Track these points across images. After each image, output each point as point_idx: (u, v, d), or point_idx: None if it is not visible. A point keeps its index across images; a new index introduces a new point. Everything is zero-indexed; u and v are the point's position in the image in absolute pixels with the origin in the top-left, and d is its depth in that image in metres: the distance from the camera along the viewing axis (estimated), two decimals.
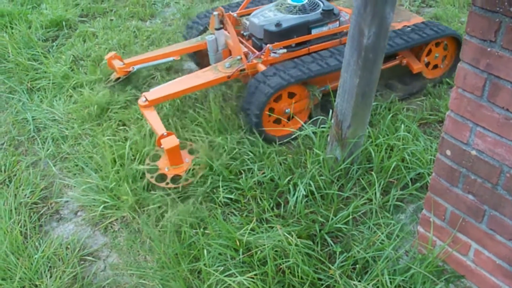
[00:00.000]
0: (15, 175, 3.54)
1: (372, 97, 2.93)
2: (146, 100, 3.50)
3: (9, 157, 3.70)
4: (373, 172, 3.07)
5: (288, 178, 3.09)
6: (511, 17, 1.74)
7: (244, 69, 3.74)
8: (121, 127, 3.85)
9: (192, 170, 3.30)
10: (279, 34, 3.81)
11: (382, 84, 3.96)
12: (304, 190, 2.96)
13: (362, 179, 3.09)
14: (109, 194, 3.21)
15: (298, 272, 2.50)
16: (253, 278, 2.51)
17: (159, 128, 3.32)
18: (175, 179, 3.28)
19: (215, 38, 4.00)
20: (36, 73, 4.66)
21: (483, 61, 1.91)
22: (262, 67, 3.69)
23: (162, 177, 3.30)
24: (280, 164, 3.24)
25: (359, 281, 2.50)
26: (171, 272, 2.69)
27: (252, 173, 3.22)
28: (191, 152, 3.47)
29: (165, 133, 3.26)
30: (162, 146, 3.23)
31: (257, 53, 3.80)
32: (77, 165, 3.58)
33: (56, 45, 5.18)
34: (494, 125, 1.98)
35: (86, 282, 2.79)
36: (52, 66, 4.67)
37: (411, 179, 3.09)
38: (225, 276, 2.54)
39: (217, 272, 2.56)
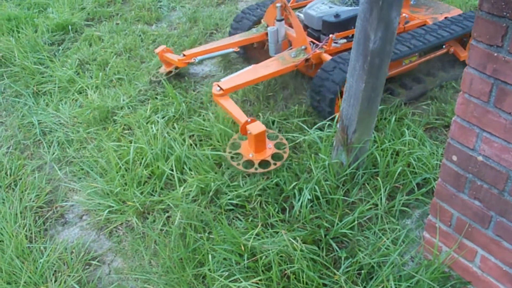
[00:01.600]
0: (21, 179, 3.54)
1: (377, 102, 2.92)
2: (221, 89, 3.61)
3: (14, 161, 3.70)
4: (378, 177, 3.06)
5: (294, 183, 3.08)
6: None
7: (309, 59, 3.91)
8: (127, 131, 3.85)
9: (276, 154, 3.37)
10: (338, 25, 4.00)
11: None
12: (309, 195, 2.95)
13: (368, 184, 3.08)
14: (114, 199, 3.21)
15: (303, 277, 2.49)
16: (257, 283, 2.51)
17: (241, 115, 3.39)
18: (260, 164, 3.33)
19: (276, 29, 4.13)
20: (42, 77, 4.67)
21: (490, 66, 1.90)
22: (327, 57, 3.85)
23: (247, 164, 3.33)
24: (286, 169, 3.23)
25: (364, 287, 2.49)
26: (176, 277, 2.69)
27: (257, 179, 3.22)
28: (270, 137, 3.50)
29: (249, 120, 3.31)
30: (249, 132, 3.26)
31: (321, 43, 3.98)
32: (82, 169, 3.59)
33: (62, 49, 5.20)
34: (501, 131, 1.97)
35: (90, 286, 2.79)
36: (58, 70, 4.68)
37: (417, 184, 3.07)
38: (229, 281, 2.54)
39: (222, 278, 2.56)
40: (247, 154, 3.34)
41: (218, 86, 3.61)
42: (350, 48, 3.84)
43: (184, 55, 4.24)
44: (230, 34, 4.69)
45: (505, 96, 1.89)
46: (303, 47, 3.97)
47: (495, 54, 1.86)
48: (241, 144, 3.44)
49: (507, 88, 1.87)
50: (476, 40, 1.91)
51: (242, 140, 3.49)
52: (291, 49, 4.10)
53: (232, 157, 3.36)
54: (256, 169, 3.26)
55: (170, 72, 4.53)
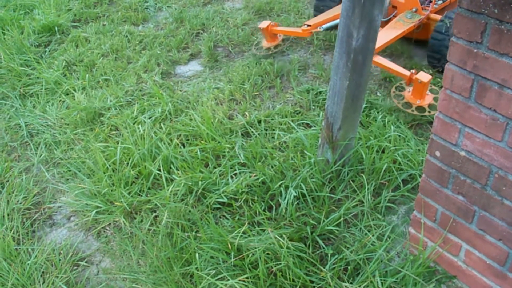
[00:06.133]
0: (8, 181, 3.53)
1: (362, 99, 2.94)
2: None
3: (1, 163, 3.70)
4: (363, 174, 3.08)
5: (280, 181, 3.09)
6: (496, 19, 1.75)
7: (421, 20, 4.40)
8: (114, 132, 3.85)
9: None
10: None
11: None
12: (296, 192, 2.96)
13: (353, 181, 3.10)
14: (102, 199, 3.21)
15: (289, 274, 2.50)
16: (244, 281, 2.51)
17: (402, 70, 3.85)
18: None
19: None
20: (29, 78, 4.66)
21: (470, 63, 1.92)
22: (436, 16, 4.30)
23: (419, 110, 3.76)
24: (272, 167, 3.24)
25: (351, 283, 2.51)
26: (164, 276, 2.69)
27: (243, 176, 3.23)
28: None
29: (413, 71, 3.78)
30: (419, 81, 3.66)
31: (425, 5, 4.54)
32: (70, 171, 3.58)
33: (49, 51, 5.18)
34: (482, 126, 1.99)
35: (79, 287, 2.79)
36: (44, 72, 4.67)
37: (402, 180, 3.09)
38: (217, 279, 2.55)
39: (209, 276, 2.57)
40: (414, 101, 3.77)
41: None
42: (447, 6, 4.53)
43: (308, 25, 4.51)
44: (316, 10, 5.01)
45: (486, 91, 1.91)
46: (413, 9, 4.43)
47: (475, 50, 1.88)
48: (404, 95, 3.87)
49: (487, 83, 1.90)
50: (456, 37, 1.94)
51: (401, 91, 3.93)
52: (395, 13, 4.59)
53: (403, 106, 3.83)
54: (429, 112, 3.72)
55: (278, 45, 4.86)
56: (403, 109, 3.76)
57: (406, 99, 3.82)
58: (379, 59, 3.99)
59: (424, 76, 3.69)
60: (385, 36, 4.21)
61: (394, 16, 4.56)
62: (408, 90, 3.85)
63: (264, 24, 4.72)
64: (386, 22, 4.52)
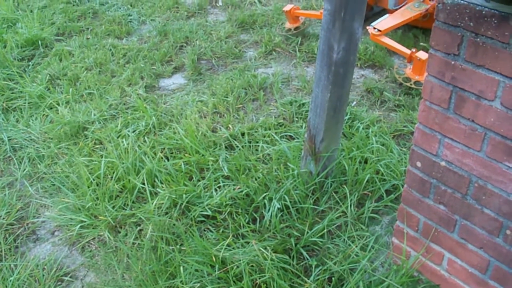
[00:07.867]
0: None
1: (344, 111, 2.96)
2: (379, 30, 4.42)
3: None
4: (346, 185, 3.09)
5: (264, 193, 3.09)
6: (472, 32, 1.79)
7: (428, 9, 4.71)
8: (98, 146, 3.85)
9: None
10: None
11: None
12: (279, 204, 2.97)
13: (337, 192, 3.12)
14: (86, 213, 3.20)
15: (274, 286, 2.51)
16: None
17: (403, 48, 4.30)
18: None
19: None
20: (12, 93, 4.64)
21: (448, 74, 1.95)
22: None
23: (416, 84, 4.22)
24: (255, 179, 3.26)
25: None
26: None
27: (227, 189, 3.24)
28: None
29: (413, 50, 4.16)
30: (418, 58, 4.10)
31: None
32: (53, 185, 3.57)
33: (32, 65, 5.17)
34: (461, 136, 2.02)
35: None
36: (28, 86, 4.65)
37: (385, 190, 3.11)
38: None
39: None
40: (413, 76, 4.23)
41: (375, 28, 4.43)
42: None
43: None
44: None
45: (464, 102, 1.94)
46: None
47: (453, 62, 1.92)
48: (405, 71, 4.34)
49: (465, 95, 1.93)
50: (434, 49, 1.97)
51: (403, 67, 4.40)
52: (405, 3, 4.94)
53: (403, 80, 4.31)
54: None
55: (298, 27, 5.29)
56: (403, 82, 4.28)
57: (406, 75, 4.30)
58: (385, 39, 4.42)
59: (423, 55, 4.10)
60: (392, 20, 4.60)
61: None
62: (409, 68, 4.30)
63: (287, 7, 5.21)
64: (397, 10, 4.92)
